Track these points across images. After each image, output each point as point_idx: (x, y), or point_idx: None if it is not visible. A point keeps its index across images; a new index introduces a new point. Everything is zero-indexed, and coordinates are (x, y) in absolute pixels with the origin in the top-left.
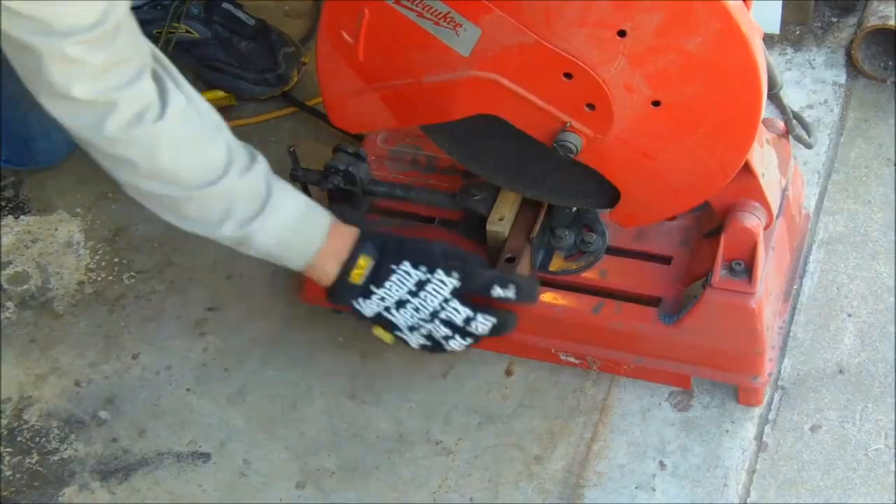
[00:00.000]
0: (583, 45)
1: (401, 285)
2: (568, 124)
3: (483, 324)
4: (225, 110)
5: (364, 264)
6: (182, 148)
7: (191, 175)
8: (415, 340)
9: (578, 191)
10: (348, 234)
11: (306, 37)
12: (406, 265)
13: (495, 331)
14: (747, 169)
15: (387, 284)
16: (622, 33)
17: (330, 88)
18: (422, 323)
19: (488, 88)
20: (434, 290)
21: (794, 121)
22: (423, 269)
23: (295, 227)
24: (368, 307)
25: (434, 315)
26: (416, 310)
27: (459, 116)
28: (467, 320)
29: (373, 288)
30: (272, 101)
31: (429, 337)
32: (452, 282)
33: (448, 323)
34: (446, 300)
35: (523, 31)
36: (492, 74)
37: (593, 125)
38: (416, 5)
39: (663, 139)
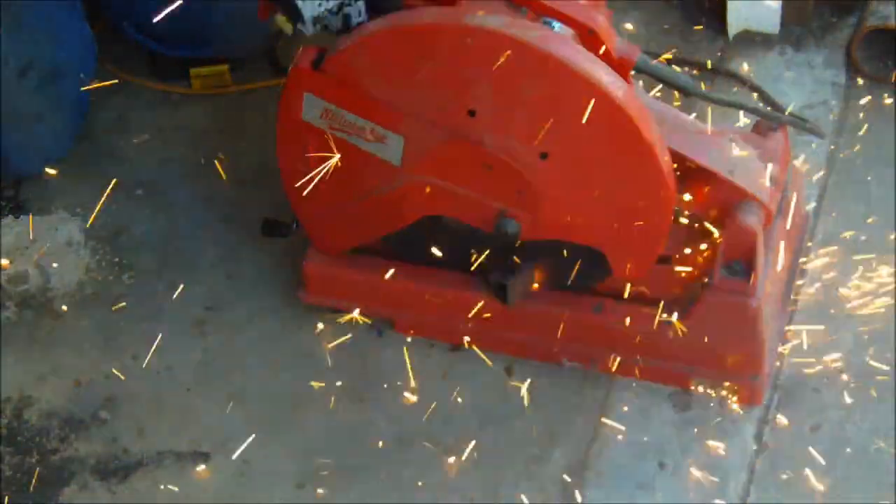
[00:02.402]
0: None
1: None
2: (503, 211)
3: None
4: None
5: None
6: None
7: None
8: (310, 30)
9: (577, 269)
10: None
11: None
12: None
13: None
14: (711, 175)
15: None
16: (472, 113)
17: (305, 216)
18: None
19: (425, 190)
20: None
21: (785, 116)
22: None
23: None
24: None
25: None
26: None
27: (410, 221)
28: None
29: None
30: (264, 72)
31: (325, 28)
32: None
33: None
34: None
35: (436, 131)
36: (424, 177)
37: (524, 206)
38: (345, 126)
39: (586, 182)
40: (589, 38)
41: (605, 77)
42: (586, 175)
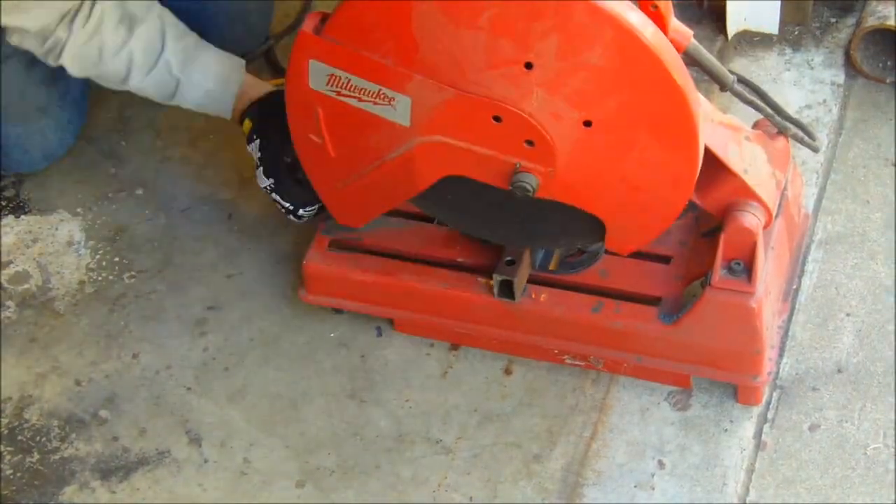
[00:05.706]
0: (499, 86)
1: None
2: (518, 165)
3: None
4: None
5: (248, 125)
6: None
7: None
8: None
9: (567, 231)
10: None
11: (300, 13)
12: (254, 138)
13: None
14: (725, 170)
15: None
16: (529, 65)
17: (323, 190)
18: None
19: (437, 150)
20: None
21: (792, 125)
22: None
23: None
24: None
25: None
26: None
27: (427, 184)
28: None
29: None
30: (264, 72)
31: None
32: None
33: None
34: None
35: (443, 88)
36: (434, 136)
37: (540, 160)
38: (353, 91)
39: (611, 157)
40: (651, 13)
41: (634, 16)
42: (613, 131)
